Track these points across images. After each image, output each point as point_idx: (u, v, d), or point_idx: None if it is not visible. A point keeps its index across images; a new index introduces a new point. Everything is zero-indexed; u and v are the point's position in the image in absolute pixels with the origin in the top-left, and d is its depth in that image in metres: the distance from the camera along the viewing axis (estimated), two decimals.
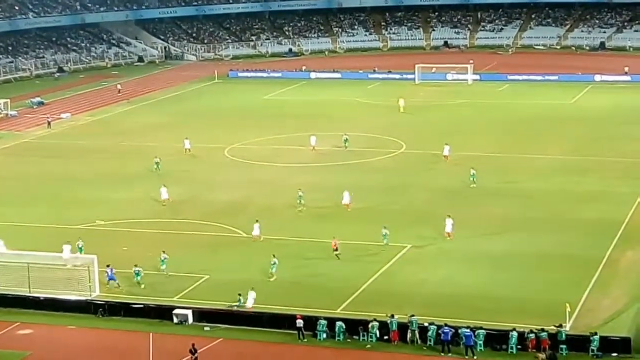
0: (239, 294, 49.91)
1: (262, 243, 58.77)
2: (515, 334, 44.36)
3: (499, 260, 55.83)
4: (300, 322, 46.42)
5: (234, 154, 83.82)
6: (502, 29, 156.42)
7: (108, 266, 53.28)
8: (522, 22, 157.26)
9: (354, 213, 65.09)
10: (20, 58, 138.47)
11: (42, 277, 52.93)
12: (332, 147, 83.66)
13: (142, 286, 52.79)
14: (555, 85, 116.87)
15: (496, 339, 44.90)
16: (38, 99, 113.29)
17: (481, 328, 44.88)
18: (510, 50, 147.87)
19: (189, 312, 48.80)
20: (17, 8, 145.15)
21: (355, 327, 46.34)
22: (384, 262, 55.72)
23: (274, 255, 54.29)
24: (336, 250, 56.70)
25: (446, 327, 44.78)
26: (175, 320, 48.75)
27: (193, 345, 44.22)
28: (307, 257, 57.18)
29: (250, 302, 49.54)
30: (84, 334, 48.37)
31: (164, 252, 54.87)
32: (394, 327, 45.60)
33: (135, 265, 53.47)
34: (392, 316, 46.08)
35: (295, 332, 46.55)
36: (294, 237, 60.37)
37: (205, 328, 47.97)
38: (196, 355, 43.96)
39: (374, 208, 66.01)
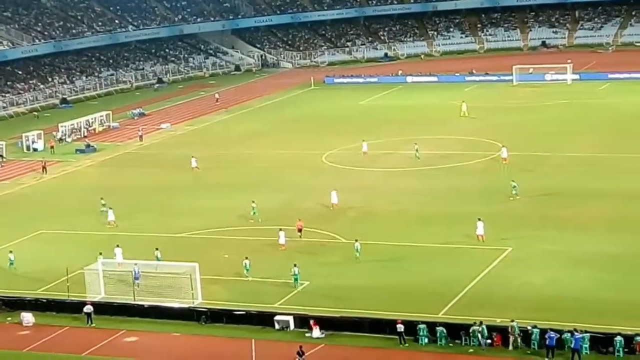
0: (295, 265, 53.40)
1: (364, 249, 58.37)
2: (620, 338, 43.35)
3: (603, 262, 54.67)
4: (400, 327, 46.23)
5: (332, 160, 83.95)
6: (601, 27, 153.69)
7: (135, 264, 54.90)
8: (622, 19, 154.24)
9: (453, 217, 64.55)
10: (120, 70, 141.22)
11: (146, 285, 53.94)
12: (428, 151, 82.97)
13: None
14: None
15: (602, 342, 43.96)
16: (139, 110, 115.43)
17: (586, 331, 44.07)
18: (610, 48, 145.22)
19: (290, 319, 49.00)
20: (117, 22, 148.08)
21: (457, 331, 45.95)
22: (485, 265, 55.10)
23: (295, 265, 54.19)
24: (300, 231, 60.93)
25: (552, 332, 44.04)
26: (277, 326, 48.97)
27: (301, 347, 44.58)
28: (407, 261, 56.92)
29: None
30: (188, 341, 48.94)
31: (246, 258, 55.76)
32: (486, 334, 45.07)
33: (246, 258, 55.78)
34: (481, 323, 45.55)
35: (397, 337, 46.38)
36: (393, 242, 60.17)
37: (307, 334, 48.10)
38: (303, 357, 44.22)
39: (472, 211, 65.27)
